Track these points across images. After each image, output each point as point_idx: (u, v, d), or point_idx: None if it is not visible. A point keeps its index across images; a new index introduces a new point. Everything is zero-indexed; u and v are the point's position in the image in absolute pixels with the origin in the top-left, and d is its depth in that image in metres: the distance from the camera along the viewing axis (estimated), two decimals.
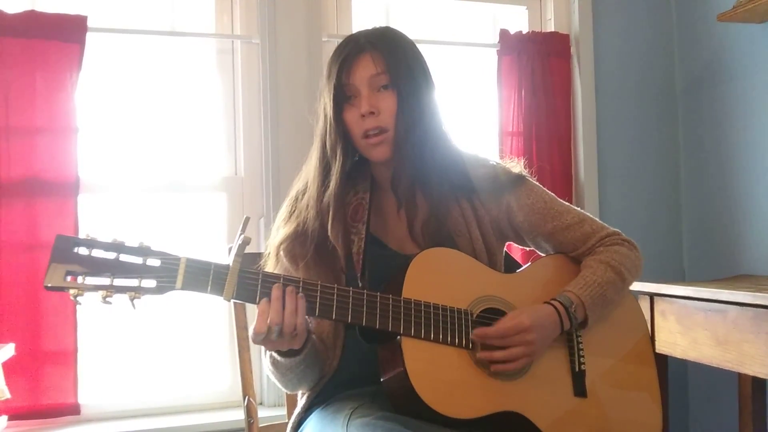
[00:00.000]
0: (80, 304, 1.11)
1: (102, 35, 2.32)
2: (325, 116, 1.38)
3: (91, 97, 2.33)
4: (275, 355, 1.31)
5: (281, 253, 1.39)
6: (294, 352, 1.29)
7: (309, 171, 1.42)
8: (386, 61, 1.35)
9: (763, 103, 2.55)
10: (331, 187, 1.36)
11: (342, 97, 1.36)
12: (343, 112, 1.36)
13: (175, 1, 2.50)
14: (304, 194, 1.41)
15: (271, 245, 1.41)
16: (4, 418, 2.03)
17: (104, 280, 1.11)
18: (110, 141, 2.39)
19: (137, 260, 1.13)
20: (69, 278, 1.10)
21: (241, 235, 1.18)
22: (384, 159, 1.37)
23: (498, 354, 1.26)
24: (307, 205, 1.39)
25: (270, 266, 1.41)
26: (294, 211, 1.42)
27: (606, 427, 1.37)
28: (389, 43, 1.38)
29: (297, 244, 1.37)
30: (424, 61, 1.43)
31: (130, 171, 2.40)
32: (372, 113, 1.33)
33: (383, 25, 1.46)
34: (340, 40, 2.58)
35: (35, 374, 2.14)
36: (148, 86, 2.44)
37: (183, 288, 1.15)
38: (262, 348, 1.31)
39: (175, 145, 2.46)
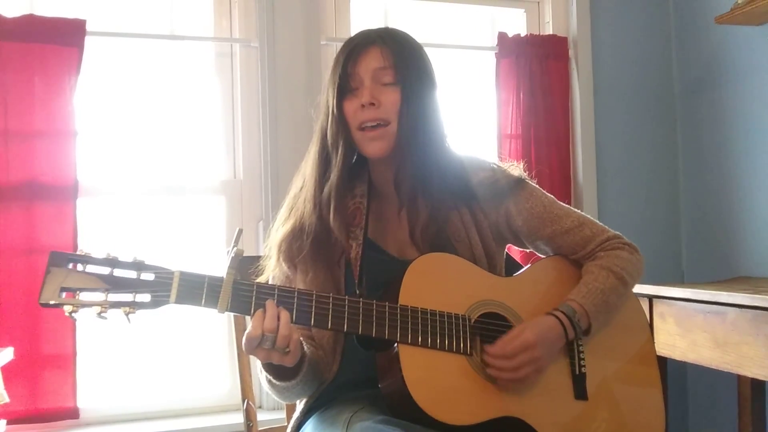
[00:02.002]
0: (76, 320, 1.12)
1: (101, 39, 2.32)
2: (327, 107, 1.37)
3: (90, 100, 2.33)
4: (271, 377, 1.30)
5: (280, 256, 1.39)
6: (290, 375, 1.29)
7: (307, 166, 1.42)
8: (394, 57, 1.35)
9: (762, 104, 2.55)
10: (332, 179, 1.35)
11: (345, 88, 1.35)
12: (344, 102, 1.35)
13: (174, 5, 2.50)
14: (301, 189, 1.41)
15: (272, 244, 1.41)
16: (3, 422, 2.02)
17: (99, 296, 1.12)
18: (109, 144, 2.40)
19: (131, 275, 1.14)
20: (64, 294, 1.11)
21: (234, 247, 1.18)
22: (380, 155, 1.36)
23: (507, 375, 1.26)
24: (305, 199, 1.38)
25: (270, 268, 1.41)
26: (292, 208, 1.41)
27: (608, 429, 1.36)
28: (399, 41, 1.38)
29: (294, 241, 1.37)
30: (431, 65, 1.42)
31: (129, 174, 2.40)
32: (372, 104, 1.33)
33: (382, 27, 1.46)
34: (339, 44, 2.60)
35: (34, 378, 2.14)
36: (147, 90, 2.44)
37: (177, 302, 1.15)
38: (258, 363, 1.30)
39: (173, 148, 2.46)
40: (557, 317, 1.33)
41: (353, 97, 1.35)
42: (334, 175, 1.35)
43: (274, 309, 1.18)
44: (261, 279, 1.41)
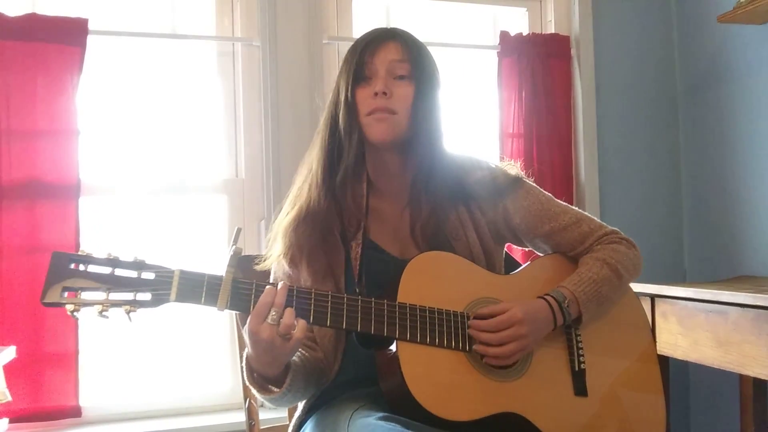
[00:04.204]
0: (78, 319, 1.13)
1: (103, 38, 2.33)
2: (339, 94, 1.38)
3: (93, 99, 2.33)
4: (258, 394, 1.30)
5: (285, 241, 1.37)
6: (277, 382, 1.28)
7: (313, 156, 1.42)
8: (411, 53, 1.38)
9: (764, 104, 2.54)
10: (347, 162, 1.35)
11: (360, 76, 1.37)
12: (356, 90, 1.36)
13: (176, 4, 2.51)
14: (306, 178, 1.41)
15: (277, 231, 1.40)
16: (5, 420, 2.03)
17: (100, 295, 1.13)
18: (111, 143, 2.40)
19: (132, 274, 1.16)
20: (66, 294, 1.12)
21: (233, 245, 1.19)
22: (384, 139, 1.36)
23: (492, 350, 1.26)
24: (311, 187, 1.39)
25: (274, 255, 1.39)
26: (297, 196, 1.41)
27: (608, 425, 1.37)
28: (415, 40, 1.42)
29: (300, 226, 1.37)
30: (438, 70, 1.45)
31: (132, 173, 2.40)
32: (385, 94, 1.34)
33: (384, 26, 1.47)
34: (341, 43, 2.61)
35: (36, 377, 2.15)
36: (149, 89, 2.45)
37: (177, 300, 1.16)
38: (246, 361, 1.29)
39: (176, 147, 2.47)
40: (547, 301, 1.34)
41: (366, 86, 1.36)
42: (350, 159, 1.36)
43: (285, 288, 1.19)
44: (266, 264, 1.41)
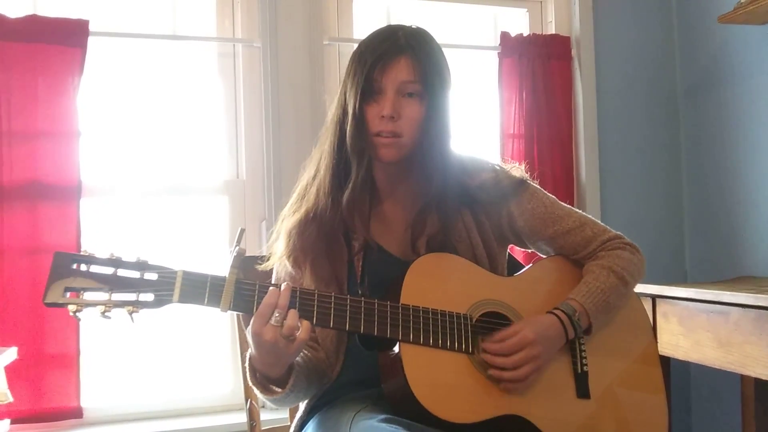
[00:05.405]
0: (80, 319, 1.13)
1: (104, 39, 2.33)
2: (347, 105, 1.34)
3: (93, 100, 2.33)
4: (261, 395, 1.30)
5: (289, 242, 1.37)
6: (279, 383, 1.28)
7: (321, 156, 1.39)
8: (423, 70, 1.32)
9: (765, 103, 2.54)
10: (355, 183, 1.33)
11: (368, 91, 1.32)
12: (365, 106, 1.33)
13: (177, 5, 2.51)
14: (314, 179, 1.39)
15: (281, 230, 1.39)
16: (7, 421, 2.03)
17: (103, 296, 1.13)
18: (112, 145, 2.40)
19: (135, 274, 1.15)
20: (68, 294, 1.12)
21: (236, 246, 1.19)
22: (391, 160, 1.34)
23: (507, 374, 1.26)
24: (319, 192, 1.37)
25: (277, 255, 1.39)
26: (304, 197, 1.40)
27: (610, 427, 1.37)
28: (428, 51, 1.35)
29: (306, 229, 1.36)
30: (448, 67, 1.40)
31: (133, 174, 2.40)
32: (392, 117, 1.31)
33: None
34: (342, 44, 2.61)
35: (38, 378, 2.15)
36: (150, 90, 2.45)
37: (180, 301, 1.15)
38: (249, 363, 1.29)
39: (177, 148, 2.47)
40: (557, 316, 1.33)
41: (374, 103, 1.32)
42: (358, 180, 1.33)
43: (288, 290, 1.18)
44: (268, 264, 1.40)
